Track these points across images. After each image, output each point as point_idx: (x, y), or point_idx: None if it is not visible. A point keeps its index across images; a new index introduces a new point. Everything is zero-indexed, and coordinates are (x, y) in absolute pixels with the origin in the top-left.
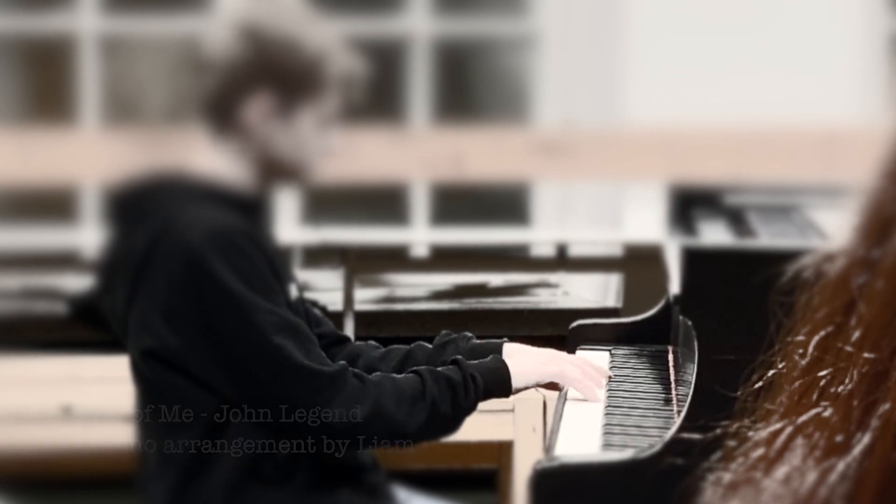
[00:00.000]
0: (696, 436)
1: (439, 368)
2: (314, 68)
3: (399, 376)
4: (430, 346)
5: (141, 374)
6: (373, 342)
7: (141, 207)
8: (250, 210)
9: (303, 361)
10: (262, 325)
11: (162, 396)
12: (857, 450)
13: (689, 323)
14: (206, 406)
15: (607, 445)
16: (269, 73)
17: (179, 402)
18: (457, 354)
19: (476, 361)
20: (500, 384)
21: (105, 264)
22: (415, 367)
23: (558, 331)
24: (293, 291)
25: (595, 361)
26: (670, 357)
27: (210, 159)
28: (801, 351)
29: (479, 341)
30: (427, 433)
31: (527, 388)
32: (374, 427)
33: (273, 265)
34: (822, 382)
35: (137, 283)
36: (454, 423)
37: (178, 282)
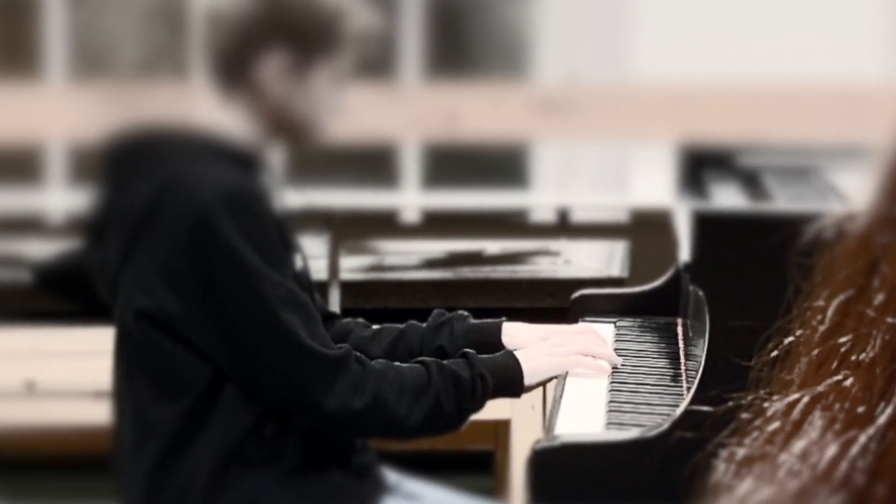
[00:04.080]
0: (707, 408)
1: (446, 361)
2: (331, 26)
3: (404, 366)
4: (424, 325)
5: (128, 338)
6: (362, 320)
7: (141, 160)
8: (257, 169)
9: (306, 341)
10: (268, 296)
11: (151, 363)
12: (881, 421)
13: (700, 293)
14: (196, 376)
15: (612, 424)
16: (284, 31)
17: (170, 371)
18: (452, 336)
19: (487, 357)
20: (510, 384)
21: (97, 219)
22: (421, 359)
23: (559, 302)
24: (298, 261)
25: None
26: (679, 330)
27: (215, 114)
28: (819, 316)
29: (475, 321)
30: (427, 429)
31: (540, 384)
32: (372, 418)
33: (282, 232)
34: (843, 349)
35: (135, 239)
36: (457, 422)
37: (182, 241)
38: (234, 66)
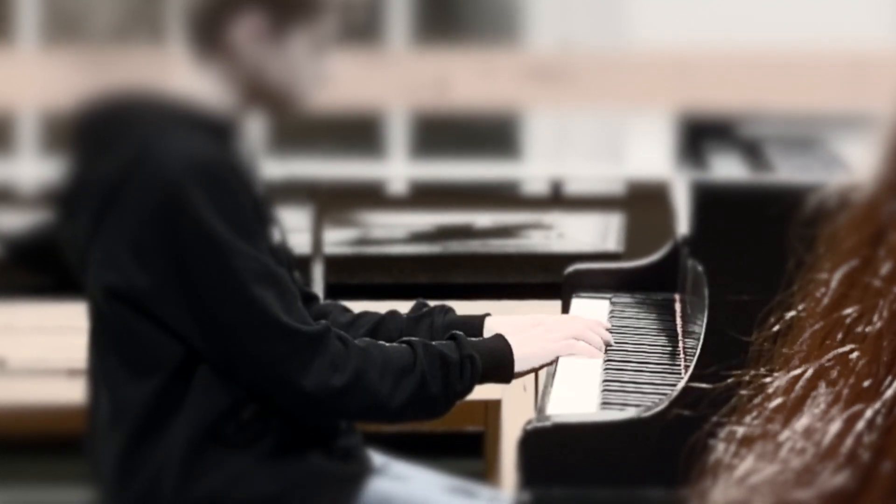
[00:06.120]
0: (706, 386)
1: (435, 343)
2: None
3: (389, 345)
4: (405, 315)
5: (99, 314)
6: (341, 303)
7: (111, 130)
8: (232, 139)
9: (281, 317)
10: (241, 271)
11: (121, 341)
12: (887, 395)
13: (700, 268)
14: (168, 355)
15: (606, 404)
16: None
17: (140, 349)
18: (432, 329)
19: (477, 339)
20: (501, 369)
21: (68, 191)
22: (407, 338)
23: (552, 277)
24: (276, 235)
25: (593, 312)
26: (677, 306)
27: (189, 80)
28: (823, 289)
29: (458, 315)
30: (412, 412)
31: (530, 371)
32: (353, 397)
33: (257, 204)
34: (848, 321)
35: (104, 213)
36: (444, 406)
37: (151, 215)
38: (207, 30)
